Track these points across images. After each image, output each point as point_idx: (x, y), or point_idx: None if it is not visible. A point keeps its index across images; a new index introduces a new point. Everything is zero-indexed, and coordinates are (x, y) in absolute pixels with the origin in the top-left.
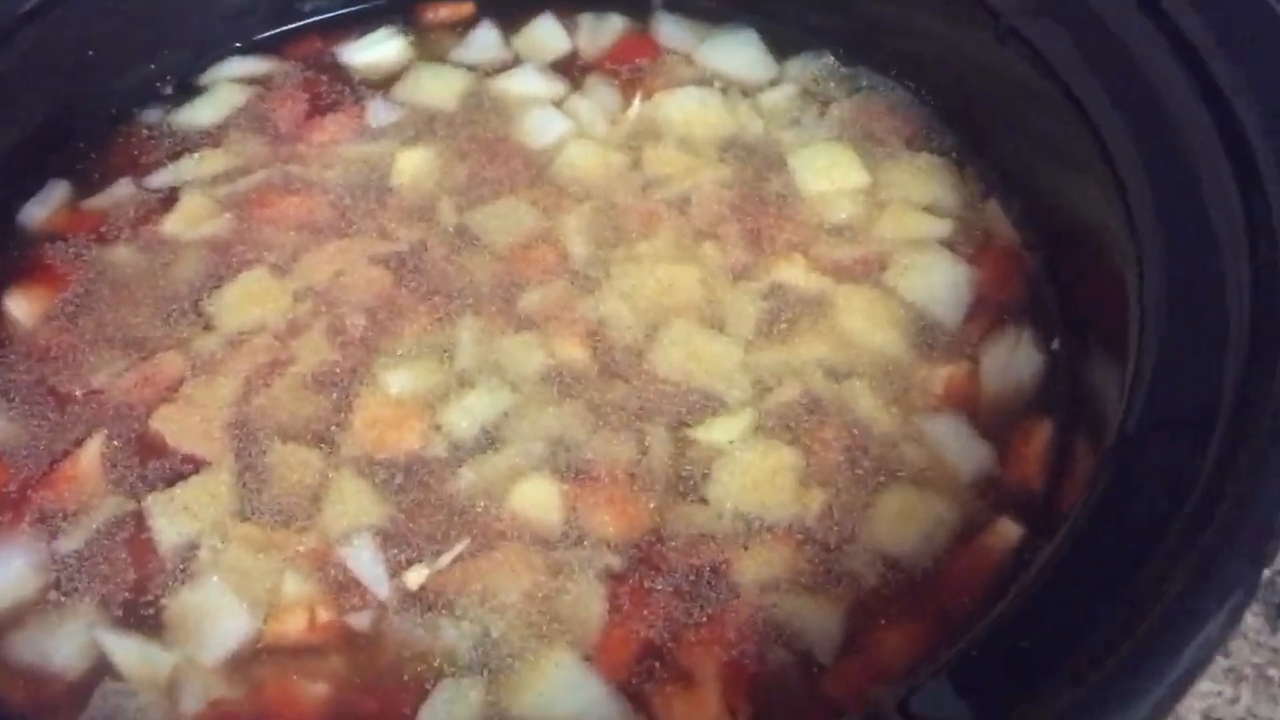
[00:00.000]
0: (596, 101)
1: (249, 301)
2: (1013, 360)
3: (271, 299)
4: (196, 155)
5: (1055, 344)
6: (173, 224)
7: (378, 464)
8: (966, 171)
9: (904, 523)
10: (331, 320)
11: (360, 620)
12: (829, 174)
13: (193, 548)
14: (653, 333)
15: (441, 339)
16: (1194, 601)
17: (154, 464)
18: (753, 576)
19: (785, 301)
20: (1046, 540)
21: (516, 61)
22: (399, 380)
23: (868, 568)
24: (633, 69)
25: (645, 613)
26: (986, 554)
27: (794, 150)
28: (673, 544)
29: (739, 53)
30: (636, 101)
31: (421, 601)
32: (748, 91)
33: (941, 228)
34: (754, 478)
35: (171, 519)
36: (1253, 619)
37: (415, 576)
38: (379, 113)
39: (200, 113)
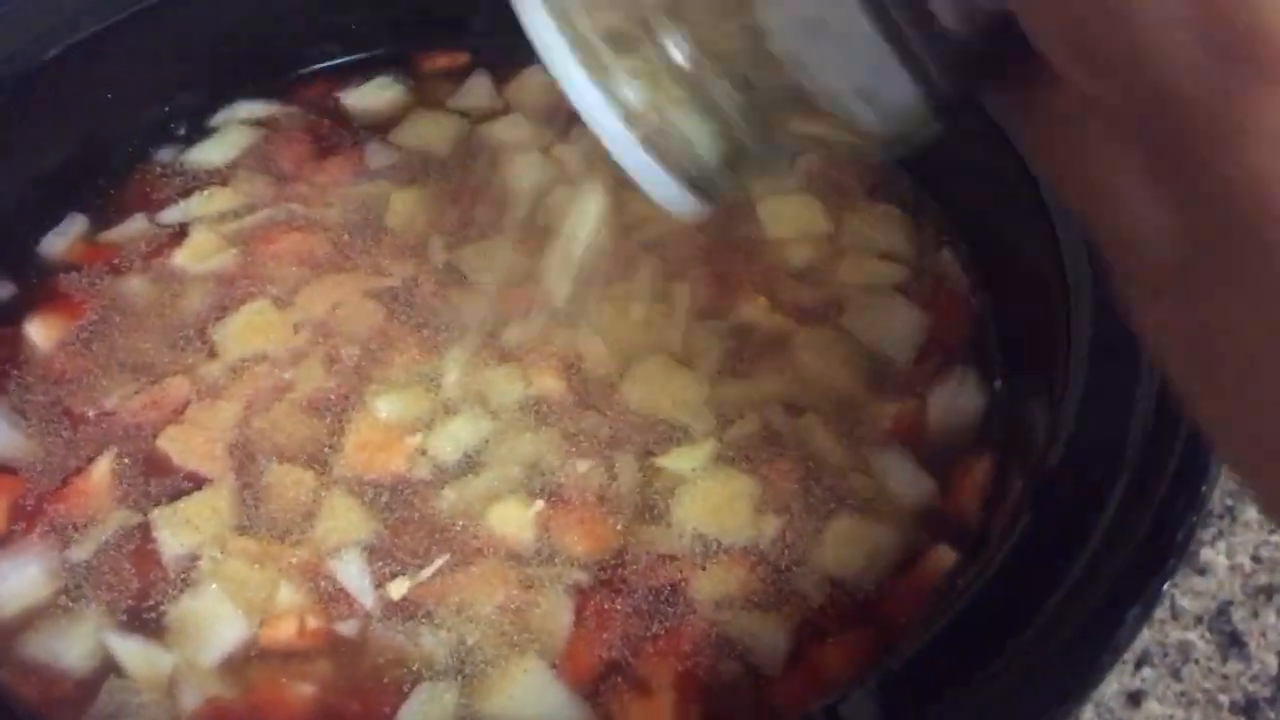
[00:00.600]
0: (580, 149)
1: (251, 331)
2: (957, 398)
3: (272, 329)
4: (206, 193)
5: (997, 384)
6: (182, 257)
7: (366, 484)
8: (922, 221)
9: (850, 547)
10: (328, 350)
11: (346, 628)
12: (794, 222)
13: (194, 558)
14: (625, 367)
15: (429, 369)
16: (1097, 618)
17: (160, 480)
18: (709, 594)
19: (749, 340)
20: (977, 564)
21: (507, 109)
22: (388, 406)
23: (815, 588)
24: None
25: (608, 625)
26: (924, 577)
27: (763, 199)
28: (636, 563)
29: None
30: None
31: (403, 611)
32: None
33: (897, 274)
34: (714, 503)
35: (174, 531)
36: (1204, 645)
37: (398, 588)
38: (376, 155)
39: (210, 153)
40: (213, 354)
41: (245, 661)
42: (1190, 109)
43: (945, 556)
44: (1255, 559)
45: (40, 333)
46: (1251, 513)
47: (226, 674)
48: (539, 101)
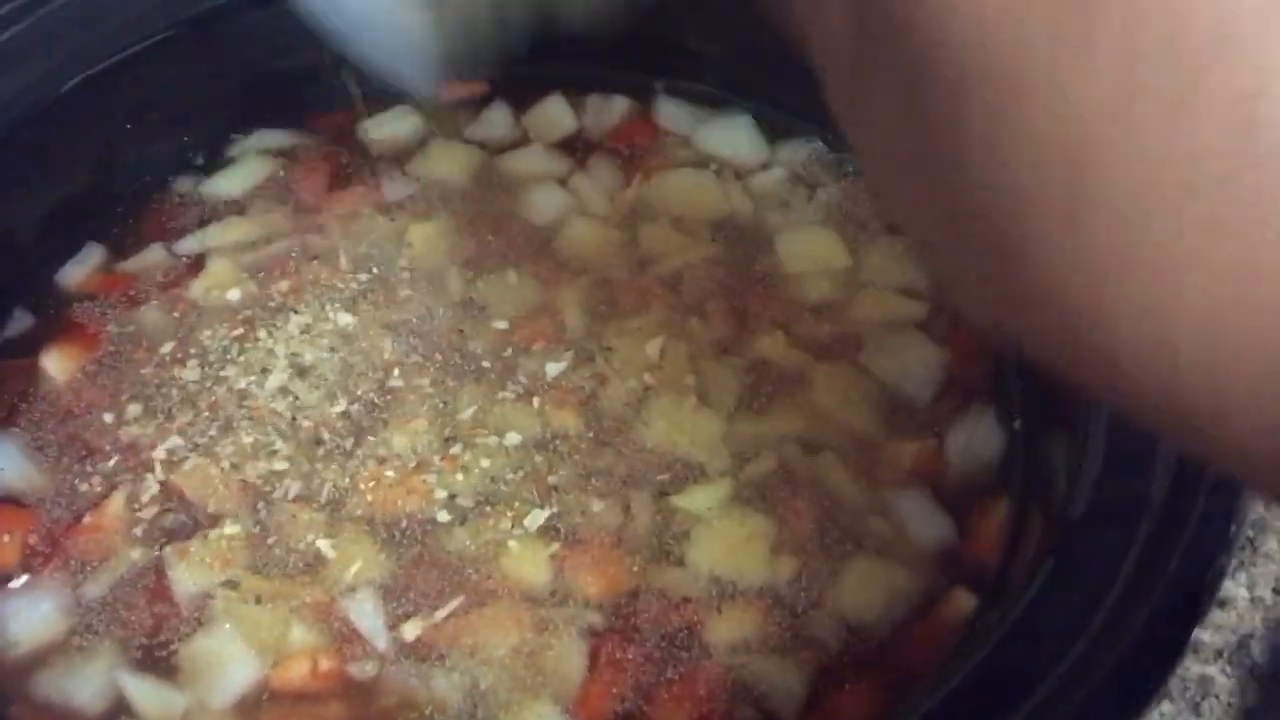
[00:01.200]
0: (598, 180)
1: (266, 364)
2: (976, 438)
3: (286, 362)
4: (223, 223)
5: (1017, 424)
6: (199, 288)
7: (380, 523)
8: None
9: (867, 591)
10: (343, 384)
11: (359, 669)
12: (813, 256)
13: (207, 597)
14: (641, 403)
15: (444, 404)
16: (1122, 676)
17: (174, 517)
18: (724, 638)
19: (766, 376)
20: (998, 610)
21: (526, 139)
22: (403, 443)
23: (831, 633)
24: (634, 149)
25: (623, 670)
26: (942, 622)
27: (781, 232)
28: (651, 605)
29: (734, 137)
30: (636, 181)
31: (416, 653)
32: (740, 174)
33: (916, 310)
34: (729, 544)
35: (188, 569)
36: (1225, 680)
37: (412, 629)
38: (394, 186)
39: (228, 183)
40: (228, 387)
41: (257, 703)
42: None
43: (964, 601)
44: (1276, 591)
45: (56, 364)
46: (1273, 544)
47: (238, 716)
48: (558, 132)
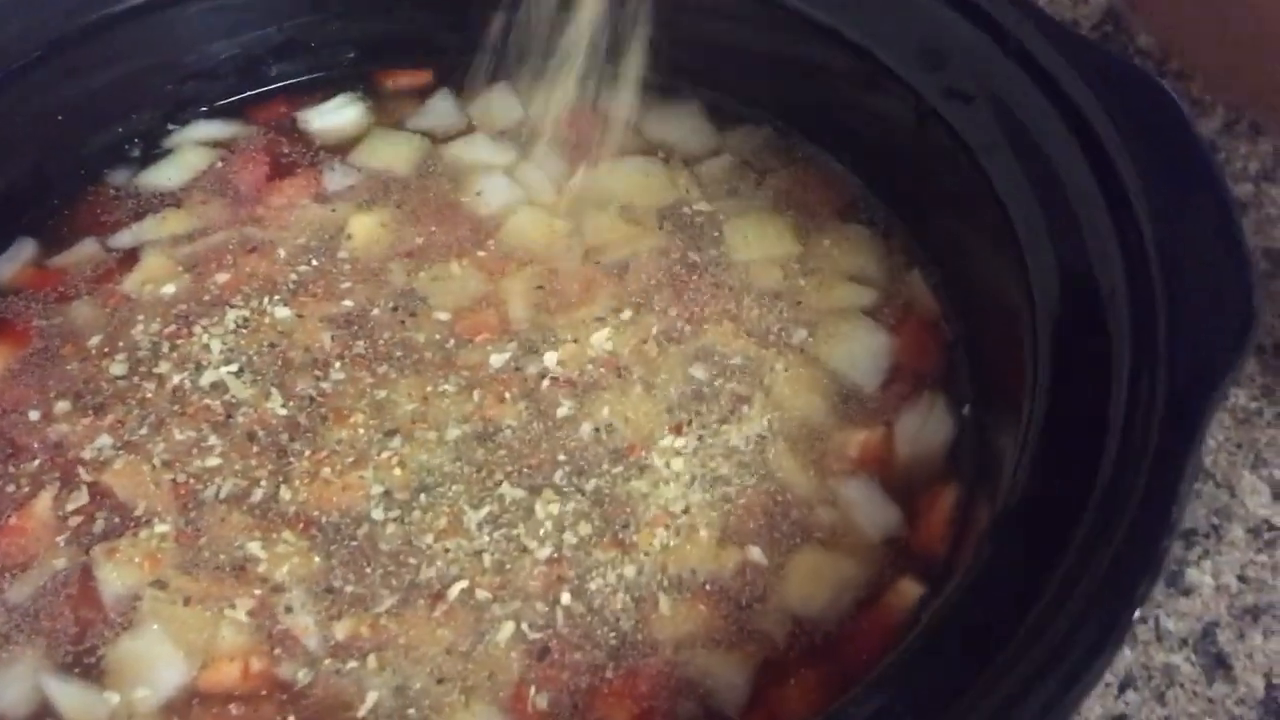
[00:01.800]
0: (544, 169)
1: (200, 360)
2: (926, 426)
3: (222, 358)
4: (159, 216)
5: (966, 410)
6: (133, 282)
7: (314, 521)
8: (892, 243)
9: (813, 582)
10: (279, 378)
11: (290, 670)
12: (761, 243)
13: (135, 598)
14: (586, 392)
15: (383, 398)
16: (1064, 660)
17: (102, 517)
18: (670, 633)
19: (714, 365)
20: (941, 597)
21: (470, 129)
22: (339, 438)
23: (777, 626)
24: (581, 137)
25: (563, 666)
26: (888, 612)
27: (730, 219)
28: (594, 599)
29: (682, 124)
30: (582, 170)
31: (348, 653)
32: (689, 161)
33: (866, 297)
34: (676, 536)
35: (116, 570)
36: (1189, 668)
37: (343, 630)
38: (335, 177)
39: (165, 174)
40: (160, 384)
41: (186, 705)
42: None
43: (910, 590)
44: (1241, 579)
45: None
46: (1238, 531)
47: (167, 717)
48: (503, 121)
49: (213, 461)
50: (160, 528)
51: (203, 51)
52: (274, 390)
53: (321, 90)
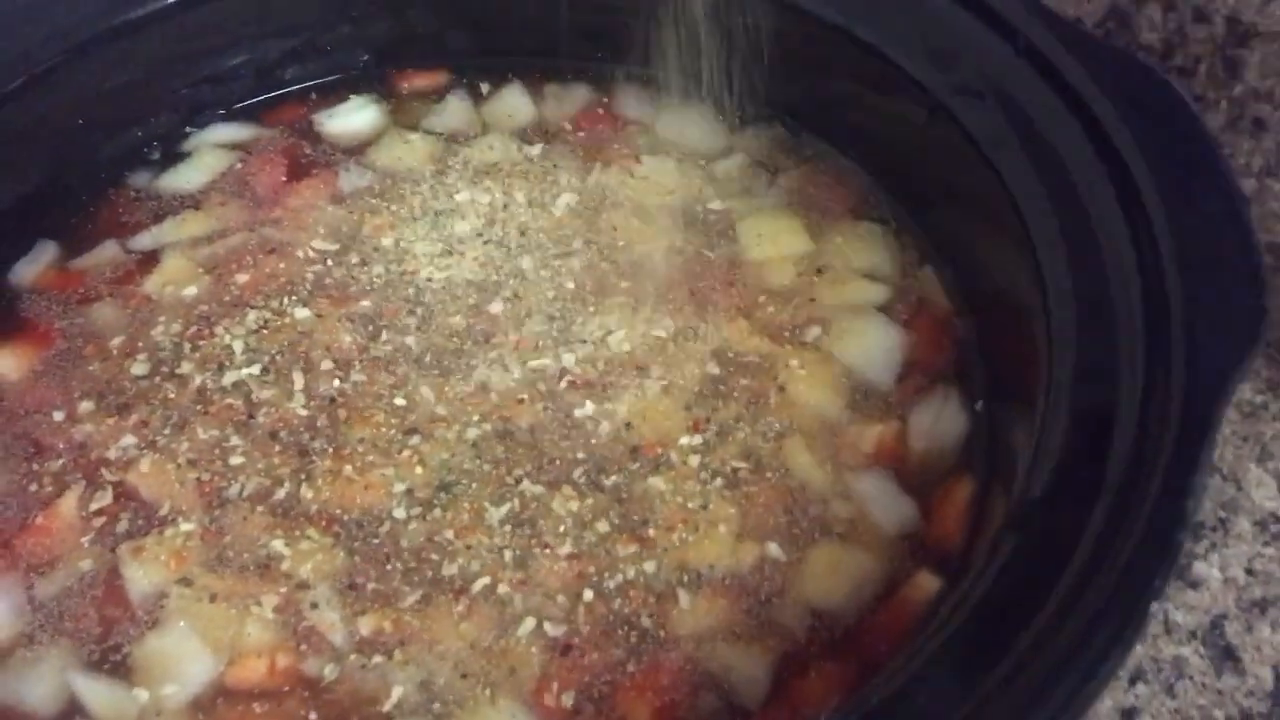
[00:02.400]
0: (559, 169)
1: (222, 360)
2: (939, 421)
3: (244, 358)
4: (178, 218)
5: (979, 405)
6: (153, 284)
7: (338, 519)
8: (904, 239)
9: (832, 576)
10: (300, 379)
11: (316, 666)
12: (774, 241)
13: (161, 596)
14: (604, 392)
15: (404, 399)
16: (1082, 651)
17: (128, 515)
18: (689, 627)
19: (729, 363)
20: (960, 590)
21: (485, 129)
22: (360, 436)
23: (796, 620)
24: (594, 138)
25: (584, 660)
26: (905, 606)
27: (743, 218)
28: (614, 594)
29: (694, 124)
30: (596, 169)
31: (374, 648)
32: (701, 161)
33: (878, 293)
34: (695, 532)
35: (142, 568)
36: (1198, 661)
37: (368, 625)
38: (351, 178)
39: (184, 177)
40: (183, 384)
41: (213, 702)
42: None
43: (927, 583)
44: (1249, 571)
45: (8, 363)
46: (1245, 524)
47: (194, 714)
48: (517, 121)
49: (236, 460)
50: (185, 526)
51: (219, 55)
52: (295, 390)
53: (337, 92)
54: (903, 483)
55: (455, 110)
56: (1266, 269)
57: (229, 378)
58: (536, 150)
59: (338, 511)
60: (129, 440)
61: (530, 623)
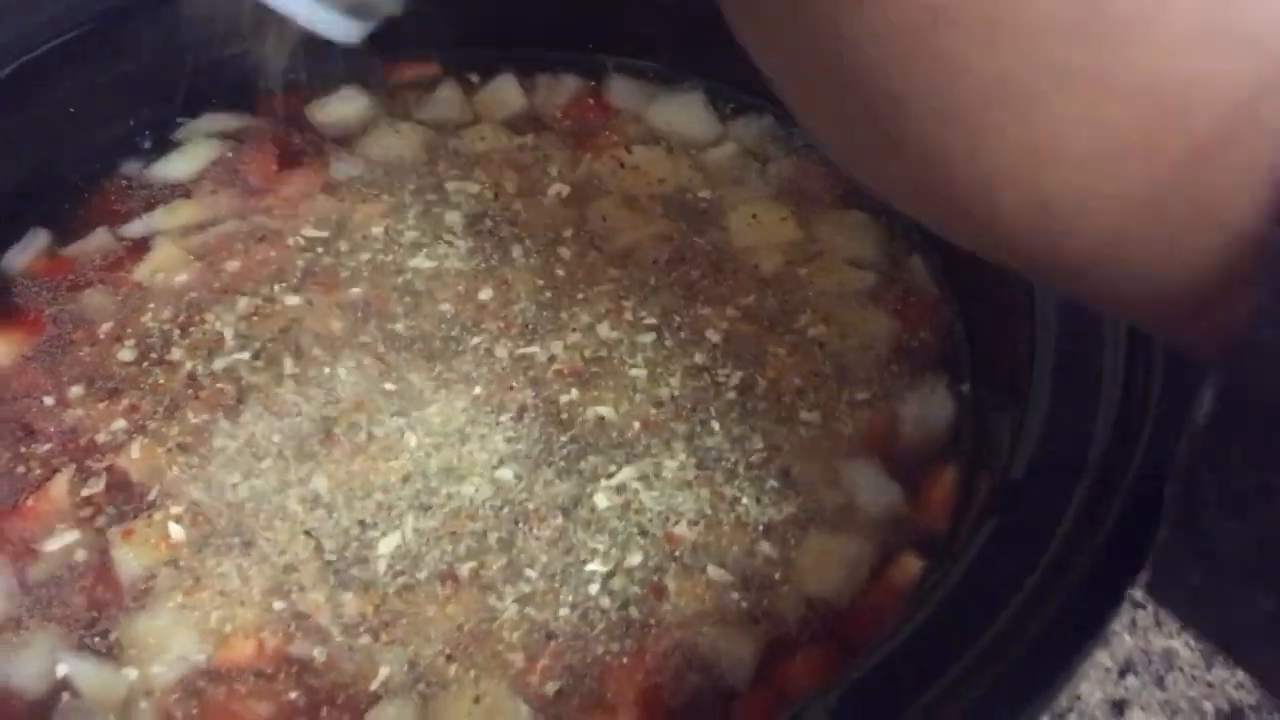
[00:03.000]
0: (549, 159)
1: (213, 346)
2: (927, 406)
3: (234, 344)
4: (170, 206)
5: (965, 388)
6: (144, 271)
7: (327, 500)
8: (893, 228)
9: (824, 564)
10: (289, 365)
11: (304, 647)
12: (764, 230)
13: (150, 577)
14: (592, 381)
15: (393, 384)
16: (1060, 629)
17: (118, 498)
18: (679, 614)
19: (716, 351)
20: (943, 569)
21: (477, 119)
22: (351, 422)
23: (789, 607)
24: (585, 127)
25: (570, 645)
26: (890, 587)
27: (733, 206)
28: (601, 577)
29: (685, 113)
30: (586, 159)
31: (360, 630)
32: (692, 150)
33: (866, 281)
34: (686, 518)
35: (132, 550)
36: (1188, 653)
37: (357, 606)
38: (342, 166)
39: (176, 165)
40: (173, 370)
41: (201, 682)
42: None
43: (912, 565)
44: None
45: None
46: None
47: (182, 694)
48: (507, 111)
49: (224, 443)
50: (174, 509)
51: (213, 45)
52: (285, 375)
53: (328, 83)
54: (890, 468)
55: (446, 100)
56: None
57: (219, 363)
58: (527, 140)
59: (324, 495)
60: (119, 425)
61: (515, 607)
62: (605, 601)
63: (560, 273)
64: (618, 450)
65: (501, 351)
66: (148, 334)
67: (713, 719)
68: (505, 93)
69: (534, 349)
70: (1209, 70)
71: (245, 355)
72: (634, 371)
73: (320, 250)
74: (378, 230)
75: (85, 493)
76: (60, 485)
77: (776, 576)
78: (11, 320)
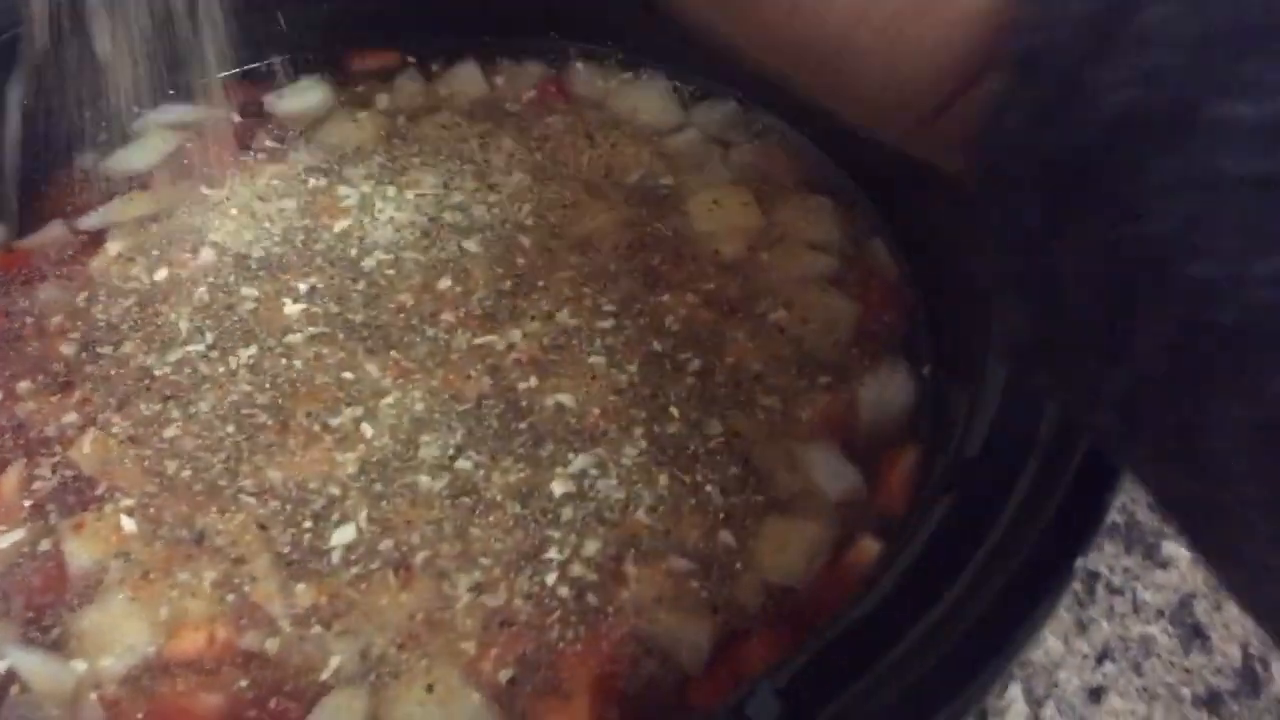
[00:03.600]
0: (510, 146)
1: (167, 338)
2: (888, 390)
3: (190, 336)
4: (126, 197)
5: (926, 371)
6: (99, 263)
7: (277, 493)
8: (855, 213)
9: (782, 549)
10: (244, 356)
11: (255, 639)
12: (725, 215)
13: (101, 570)
14: (550, 368)
15: (350, 374)
16: (1010, 600)
17: (69, 491)
18: (635, 601)
19: (676, 337)
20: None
21: (436, 108)
22: (307, 412)
23: (748, 593)
24: (546, 114)
25: (524, 632)
26: (847, 570)
27: (694, 192)
28: (555, 568)
29: (648, 100)
30: (548, 146)
31: (312, 620)
32: (654, 136)
33: (828, 265)
34: (645, 505)
35: (82, 543)
36: (1166, 639)
37: (306, 597)
38: (301, 156)
39: (132, 157)
40: (125, 362)
41: (150, 674)
42: None
43: (870, 548)
44: None
45: None
46: None
47: (132, 686)
48: (468, 99)
49: (178, 435)
50: (125, 501)
51: (169, 34)
52: (242, 367)
53: (287, 73)
54: (849, 451)
55: (406, 89)
56: None
57: (173, 355)
58: (488, 128)
59: (278, 486)
60: (70, 418)
61: (469, 596)
62: (563, 590)
63: (520, 261)
64: (576, 437)
65: (460, 341)
66: (101, 326)
67: (669, 703)
68: (467, 80)
69: (493, 338)
70: None
71: (200, 346)
72: (593, 359)
73: (278, 241)
74: (336, 221)
75: (36, 486)
76: (10, 479)
77: (737, 565)
78: None
